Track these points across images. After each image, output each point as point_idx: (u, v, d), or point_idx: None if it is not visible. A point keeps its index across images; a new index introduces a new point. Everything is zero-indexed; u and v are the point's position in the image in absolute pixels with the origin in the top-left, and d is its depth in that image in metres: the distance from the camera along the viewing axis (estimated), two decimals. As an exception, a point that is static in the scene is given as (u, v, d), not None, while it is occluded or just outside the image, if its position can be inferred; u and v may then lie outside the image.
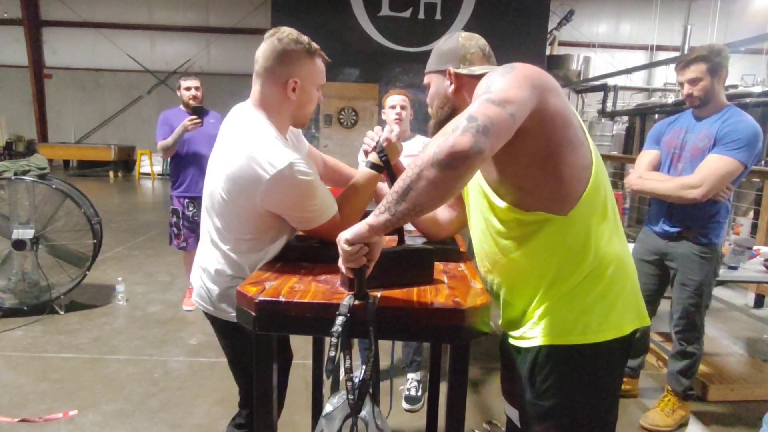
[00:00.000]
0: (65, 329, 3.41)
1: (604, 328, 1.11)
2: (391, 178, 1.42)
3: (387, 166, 1.41)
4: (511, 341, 1.23)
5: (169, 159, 3.67)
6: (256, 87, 1.40)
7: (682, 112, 2.44)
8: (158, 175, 13.77)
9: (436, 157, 0.93)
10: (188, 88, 3.59)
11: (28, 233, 3.49)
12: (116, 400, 2.57)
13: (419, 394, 2.67)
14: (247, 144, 1.29)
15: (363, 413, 1.09)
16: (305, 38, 1.38)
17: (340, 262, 1.04)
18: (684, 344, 2.41)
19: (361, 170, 1.46)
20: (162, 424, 2.39)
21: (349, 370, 1.07)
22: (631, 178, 2.46)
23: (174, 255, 4.85)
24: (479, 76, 1.18)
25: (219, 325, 1.51)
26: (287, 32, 1.37)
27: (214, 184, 1.39)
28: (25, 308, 3.54)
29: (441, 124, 1.26)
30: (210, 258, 1.45)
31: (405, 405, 2.61)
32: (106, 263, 4.90)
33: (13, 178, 3.42)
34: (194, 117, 3.40)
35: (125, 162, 13.93)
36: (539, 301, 1.15)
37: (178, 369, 2.93)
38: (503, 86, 0.99)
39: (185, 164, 3.62)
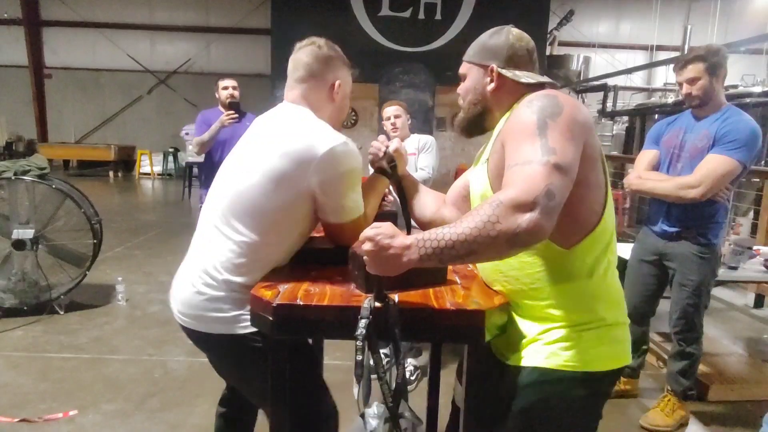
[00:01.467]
0: (65, 329, 3.41)
1: (594, 359, 1.10)
2: (397, 185, 1.50)
3: (395, 174, 1.48)
4: (495, 351, 1.21)
5: (195, 158, 3.73)
6: (296, 91, 1.40)
7: (682, 112, 2.45)
8: (158, 175, 13.76)
9: (514, 232, 0.92)
10: (226, 88, 3.65)
11: (28, 233, 3.49)
12: (116, 400, 2.57)
13: (413, 378, 2.78)
14: (303, 126, 1.31)
15: (407, 414, 1.10)
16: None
17: (359, 261, 1.05)
18: (683, 344, 2.41)
19: (371, 176, 1.49)
20: (162, 424, 2.39)
21: (382, 376, 1.06)
22: (630, 177, 2.46)
23: (174, 255, 4.85)
24: (524, 85, 1.17)
25: (215, 342, 1.33)
26: (323, 41, 1.43)
27: (244, 183, 1.29)
28: (25, 308, 3.54)
29: (471, 121, 1.25)
30: (213, 262, 1.31)
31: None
32: (106, 263, 4.90)
33: (13, 178, 3.41)
34: (231, 113, 3.43)
35: (125, 162, 13.93)
36: (532, 324, 1.13)
37: (178, 369, 2.93)
38: (564, 145, 0.99)
39: (217, 163, 3.61)
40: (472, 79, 1.23)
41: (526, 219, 0.92)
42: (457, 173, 7.22)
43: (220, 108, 3.67)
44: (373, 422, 1.14)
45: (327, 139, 1.25)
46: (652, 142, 2.48)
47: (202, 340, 1.35)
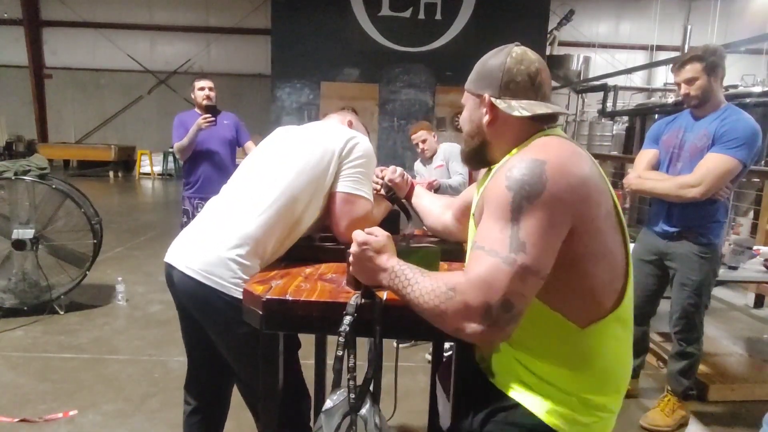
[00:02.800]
0: (65, 329, 3.41)
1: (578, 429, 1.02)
2: (402, 209, 1.60)
3: (397, 202, 1.60)
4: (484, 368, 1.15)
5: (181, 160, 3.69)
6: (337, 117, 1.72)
7: (681, 111, 2.44)
8: (158, 175, 13.77)
9: (458, 331, 0.89)
10: (202, 88, 3.61)
11: (28, 233, 3.49)
12: (116, 400, 2.57)
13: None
14: (341, 128, 1.58)
15: (363, 411, 1.10)
16: None
17: (350, 261, 1.07)
18: (683, 344, 2.41)
19: (375, 196, 1.60)
20: (162, 424, 2.39)
21: (352, 369, 1.07)
22: (630, 177, 2.46)
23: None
24: (519, 119, 1.04)
25: (225, 302, 1.32)
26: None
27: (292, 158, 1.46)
28: (25, 308, 3.54)
29: (472, 155, 1.15)
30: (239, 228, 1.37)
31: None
32: (106, 263, 4.90)
33: (13, 178, 3.41)
34: (208, 116, 3.42)
35: (125, 162, 13.93)
36: (529, 374, 1.05)
37: (178, 369, 2.93)
38: (537, 239, 0.88)
39: (197, 165, 3.63)
40: (469, 109, 1.13)
41: (472, 327, 0.88)
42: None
43: (197, 110, 3.64)
44: (329, 402, 1.16)
45: (359, 136, 1.51)
46: (651, 141, 2.48)
47: (208, 300, 1.34)
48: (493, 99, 1.05)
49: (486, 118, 1.07)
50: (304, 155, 1.44)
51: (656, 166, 2.42)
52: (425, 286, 0.94)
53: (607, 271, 0.99)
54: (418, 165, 3.86)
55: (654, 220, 2.46)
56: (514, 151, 1.05)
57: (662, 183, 2.30)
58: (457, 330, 0.90)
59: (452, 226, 1.48)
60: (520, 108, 1.02)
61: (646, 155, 2.46)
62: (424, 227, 1.63)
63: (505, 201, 0.91)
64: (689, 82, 2.21)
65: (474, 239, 0.96)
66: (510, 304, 0.87)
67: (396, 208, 1.69)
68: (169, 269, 1.43)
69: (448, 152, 3.58)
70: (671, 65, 2.36)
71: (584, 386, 1.02)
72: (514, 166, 0.94)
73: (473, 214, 1.13)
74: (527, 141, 1.04)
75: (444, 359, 1.39)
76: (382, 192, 1.59)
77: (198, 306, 1.39)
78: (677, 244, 2.35)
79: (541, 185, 0.89)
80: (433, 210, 1.56)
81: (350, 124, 1.66)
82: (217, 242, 1.36)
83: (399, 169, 1.61)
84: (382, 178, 1.61)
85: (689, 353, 2.41)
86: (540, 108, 1.03)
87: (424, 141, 3.65)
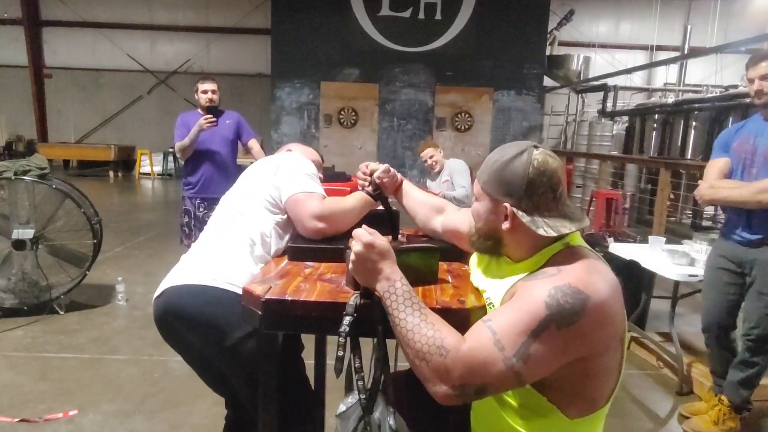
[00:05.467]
0: (65, 329, 3.41)
1: None
2: (387, 209, 1.59)
3: (382, 201, 1.58)
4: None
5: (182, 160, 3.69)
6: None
7: (748, 118, 2.39)
8: (158, 175, 13.76)
9: (429, 383, 0.94)
10: (205, 92, 3.62)
11: (28, 233, 3.49)
12: (116, 400, 2.57)
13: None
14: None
15: (376, 414, 1.09)
16: None
17: (350, 259, 1.06)
18: (751, 354, 2.31)
19: (360, 193, 1.59)
20: (162, 424, 2.39)
21: (359, 370, 1.07)
22: (702, 188, 2.36)
23: (174, 255, 4.81)
24: (540, 235, 1.03)
25: (212, 294, 1.38)
26: None
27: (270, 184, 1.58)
28: (25, 308, 3.54)
29: (483, 249, 1.16)
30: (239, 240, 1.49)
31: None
32: (106, 263, 4.90)
33: (13, 178, 3.41)
34: (209, 116, 3.42)
35: (125, 162, 13.92)
36: None
37: (178, 369, 2.92)
38: (543, 360, 0.93)
39: (198, 165, 3.64)
40: (484, 208, 1.10)
41: (441, 389, 0.93)
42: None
43: (199, 111, 3.65)
44: (342, 406, 1.16)
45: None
46: (720, 150, 2.40)
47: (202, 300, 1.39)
48: (515, 210, 1.03)
49: (506, 226, 1.06)
50: (251, 183, 1.61)
51: (728, 175, 2.33)
52: (423, 329, 0.96)
53: (609, 383, 1.04)
54: (429, 183, 4.29)
55: (731, 228, 2.35)
56: (536, 258, 1.07)
57: (737, 190, 2.23)
58: (426, 380, 0.95)
59: (440, 235, 1.48)
60: (546, 226, 1.02)
61: (716, 164, 2.37)
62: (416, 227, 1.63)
63: (538, 314, 0.93)
64: (764, 78, 2.16)
65: (490, 315, 0.99)
66: (485, 391, 0.94)
67: (396, 211, 1.67)
68: (156, 302, 1.47)
69: (453, 168, 3.98)
70: (747, 60, 2.29)
71: None
72: (558, 288, 0.95)
73: (491, 305, 1.13)
74: (546, 249, 1.06)
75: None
76: (369, 189, 1.56)
77: (160, 320, 1.45)
78: (758, 251, 2.25)
79: (576, 319, 0.93)
80: (419, 213, 1.55)
81: (289, 150, 1.82)
82: (194, 272, 1.44)
83: (390, 168, 1.58)
84: (370, 174, 1.56)
85: (754, 362, 2.31)
86: (564, 226, 1.03)
87: (432, 157, 4.03)
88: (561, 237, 1.06)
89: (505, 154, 1.06)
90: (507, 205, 1.04)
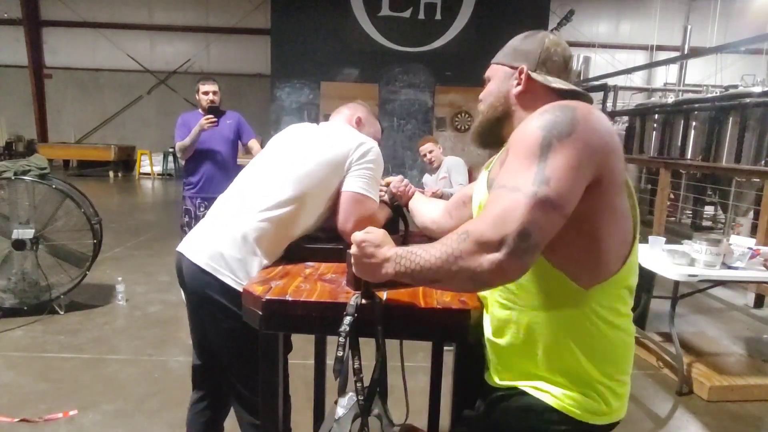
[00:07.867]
0: (65, 329, 3.41)
1: (592, 411, 1.01)
2: (402, 216, 1.69)
3: (398, 211, 1.69)
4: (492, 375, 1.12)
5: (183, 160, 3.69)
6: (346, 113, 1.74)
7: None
8: (158, 175, 13.77)
9: (475, 271, 0.85)
10: (206, 93, 3.63)
11: (28, 233, 3.49)
12: (116, 400, 2.57)
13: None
14: (352, 131, 1.62)
15: (375, 411, 1.10)
16: None
17: (351, 259, 1.05)
18: None
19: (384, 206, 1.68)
20: (162, 424, 2.39)
21: (358, 371, 1.07)
22: None
23: (174, 255, 4.83)
24: (554, 91, 1.08)
25: (232, 294, 1.38)
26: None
27: (307, 165, 1.50)
28: (25, 308, 3.54)
29: (486, 127, 1.16)
30: (247, 225, 1.43)
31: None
32: (106, 263, 4.90)
33: (13, 178, 3.41)
34: (210, 116, 3.43)
35: (125, 162, 13.93)
36: (537, 361, 1.03)
37: (178, 369, 2.93)
38: (563, 174, 0.86)
39: (199, 165, 3.64)
40: (498, 80, 1.15)
41: (488, 260, 0.84)
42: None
43: (200, 111, 3.65)
44: (340, 410, 1.15)
45: (366, 140, 1.56)
46: None
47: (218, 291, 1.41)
48: (530, 71, 1.10)
49: (518, 89, 1.10)
50: (315, 158, 1.49)
51: None
52: (434, 246, 0.92)
53: (616, 233, 0.97)
54: (426, 177, 4.35)
55: None
56: None
57: None
58: (475, 273, 0.86)
59: (440, 219, 1.50)
60: (557, 82, 1.08)
61: None
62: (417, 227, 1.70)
63: (535, 140, 0.90)
64: None
65: (498, 178, 0.93)
66: (527, 233, 0.83)
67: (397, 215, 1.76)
68: (179, 257, 1.53)
69: (451, 165, 4.06)
70: None
71: (593, 366, 1.00)
72: (545, 111, 0.94)
73: (488, 168, 1.14)
74: None
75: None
76: (386, 198, 1.67)
77: (197, 291, 1.45)
78: None
79: (572, 126, 0.90)
80: (422, 209, 1.62)
81: (359, 121, 1.70)
82: (220, 238, 1.44)
83: (404, 179, 1.71)
84: (387, 185, 1.69)
85: None
86: (575, 87, 1.09)
87: (431, 152, 4.12)
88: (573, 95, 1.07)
89: (520, 36, 1.16)
90: (523, 66, 1.10)
